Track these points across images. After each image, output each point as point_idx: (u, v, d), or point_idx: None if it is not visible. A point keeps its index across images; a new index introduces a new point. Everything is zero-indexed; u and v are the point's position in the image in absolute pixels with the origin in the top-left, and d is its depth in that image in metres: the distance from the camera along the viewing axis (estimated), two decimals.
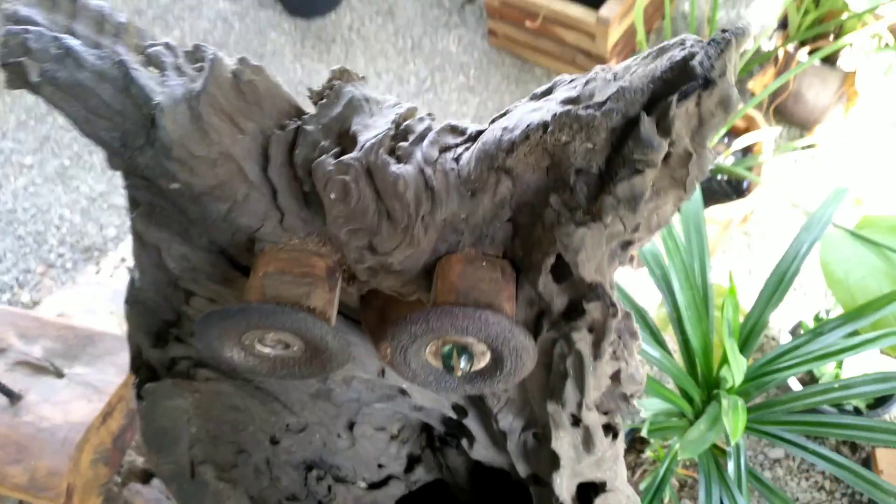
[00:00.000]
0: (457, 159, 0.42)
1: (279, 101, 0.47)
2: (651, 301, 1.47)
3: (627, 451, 1.34)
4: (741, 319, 1.02)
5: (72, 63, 0.42)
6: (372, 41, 2.40)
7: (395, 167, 0.42)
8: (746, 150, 1.57)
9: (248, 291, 0.47)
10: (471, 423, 0.68)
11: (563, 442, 0.55)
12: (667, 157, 0.36)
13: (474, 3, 2.48)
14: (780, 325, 1.53)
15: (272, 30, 2.44)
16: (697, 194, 1.06)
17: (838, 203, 1.00)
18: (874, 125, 1.70)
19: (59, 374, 1.32)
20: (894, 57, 1.26)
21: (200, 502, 0.56)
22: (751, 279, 1.62)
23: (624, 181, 0.37)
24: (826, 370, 1.22)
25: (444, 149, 0.43)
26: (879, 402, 1.29)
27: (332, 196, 0.44)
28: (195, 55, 0.47)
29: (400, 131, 0.44)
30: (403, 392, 0.68)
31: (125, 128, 0.44)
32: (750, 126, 1.56)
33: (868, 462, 1.35)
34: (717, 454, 1.01)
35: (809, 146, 1.62)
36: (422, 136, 0.43)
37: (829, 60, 1.65)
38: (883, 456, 1.32)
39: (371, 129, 0.44)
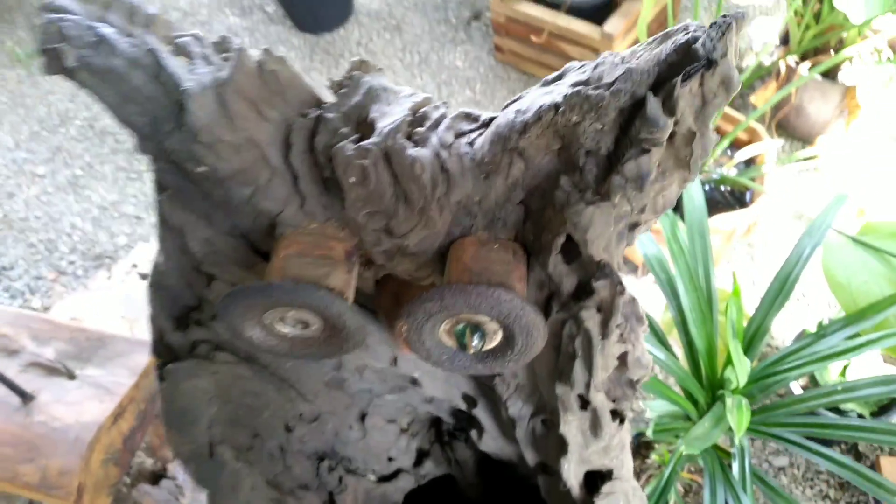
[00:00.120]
0: (471, 144, 0.44)
1: (301, 91, 0.50)
2: (656, 307, 1.49)
3: (632, 457, 1.35)
4: (745, 324, 1.04)
5: (106, 50, 0.45)
6: (380, 56, 2.44)
7: (411, 151, 0.44)
8: (749, 162, 1.59)
9: (270, 272, 0.49)
10: (480, 412, 0.69)
11: (572, 426, 0.57)
12: (671, 137, 0.38)
13: (480, 19, 2.52)
14: (783, 336, 1.55)
15: (282, 45, 2.48)
16: (701, 201, 1.08)
17: (839, 208, 1.01)
18: (875, 137, 1.72)
19: (71, 376, 1.33)
20: (894, 70, 1.28)
21: (218, 482, 0.57)
22: (754, 289, 1.63)
23: (631, 161, 0.39)
24: (829, 378, 1.23)
25: (459, 134, 0.45)
26: (883, 411, 1.29)
27: (352, 180, 0.46)
28: (222, 46, 0.49)
29: (416, 118, 0.46)
30: (415, 382, 0.70)
31: (155, 113, 0.46)
32: (752, 138, 1.59)
33: (873, 469, 1.35)
34: (721, 456, 1.02)
35: (811, 157, 1.64)
36: (437, 123, 0.46)
37: (830, 75, 1.68)
38: (887, 464, 1.33)
39: (389, 117, 0.46)
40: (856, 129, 1.73)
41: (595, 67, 0.39)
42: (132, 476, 1.40)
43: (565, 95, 0.38)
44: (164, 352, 0.58)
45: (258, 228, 0.52)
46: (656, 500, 1.02)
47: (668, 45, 0.36)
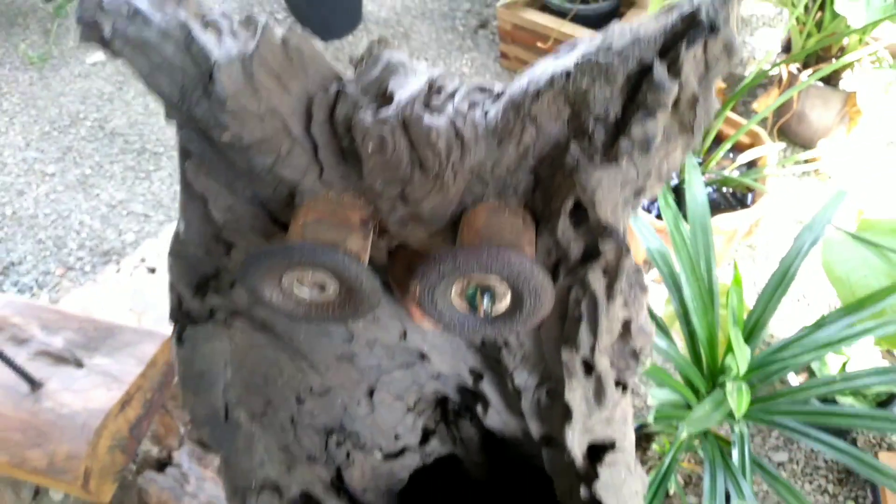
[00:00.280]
0: (485, 113, 0.47)
1: (322, 66, 0.52)
2: (658, 302, 1.51)
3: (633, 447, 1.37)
4: (745, 317, 1.06)
5: (140, 21, 0.47)
6: None
7: (428, 119, 0.46)
8: (751, 165, 1.61)
9: (290, 237, 0.51)
10: (486, 386, 0.71)
11: (576, 393, 0.59)
12: (676, 101, 0.41)
13: (487, 27, 2.55)
14: (783, 335, 1.56)
15: None
16: (703, 198, 1.10)
17: (839, 204, 1.04)
18: (875, 142, 1.75)
19: (79, 365, 1.35)
20: (894, 75, 1.31)
21: (233, 444, 0.59)
22: (755, 290, 1.65)
23: (638, 124, 0.41)
24: (828, 373, 1.25)
25: (474, 104, 0.47)
26: (881, 407, 1.31)
27: (370, 148, 0.48)
28: (248, 23, 0.52)
29: (433, 89, 0.49)
30: (423, 357, 0.72)
31: (184, 82, 0.48)
32: (754, 142, 1.61)
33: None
34: (721, 444, 1.03)
35: (812, 160, 1.67)
36: (453, 94, 0.48)
37: (832, 82, 1.71)
38: (885, 459, 1.34)
39: (406, 89, 0.49)
40: (856, 134, 1.75)
41: (605, 37, 0.41)
42: (137, 464, 1.41)
43: (576, 62, 0.40)
44: (182, 318, 0.60)
45: (278, 198, 0.55)
46: (657, 488, 1.04)
47: (674, 15, 0.39)
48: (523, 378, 0.64)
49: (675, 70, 0.39)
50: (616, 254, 0.47)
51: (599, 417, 0.62)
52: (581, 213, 0.48)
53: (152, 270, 1.65)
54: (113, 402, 1.29)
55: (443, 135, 0.46)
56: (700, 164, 1.61)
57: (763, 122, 1.85)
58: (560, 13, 2.06)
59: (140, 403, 1.35)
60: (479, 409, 0.75)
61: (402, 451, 0.84)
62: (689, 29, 0.39)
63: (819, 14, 1.57)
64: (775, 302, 1.03)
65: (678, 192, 1.53)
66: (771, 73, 1.85)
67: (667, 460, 1.05)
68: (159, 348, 1.39)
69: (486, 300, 0.49)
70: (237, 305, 0.60)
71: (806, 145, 1.88)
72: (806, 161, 1.64)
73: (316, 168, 0.52)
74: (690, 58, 0.38)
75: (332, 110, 0.51)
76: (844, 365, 1.24)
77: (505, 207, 0.50)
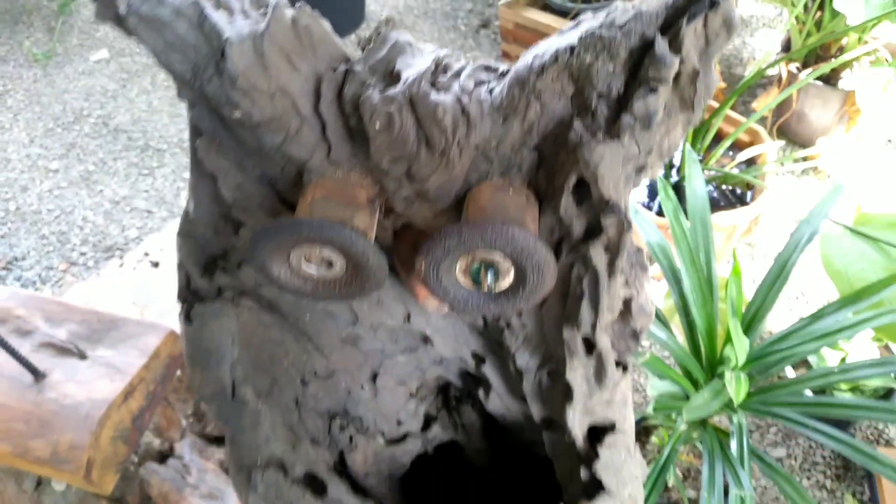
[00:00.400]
0: (490, 91, 0.48)
1: (331, 47, 0.53)
2: (658, 297, 1.52)
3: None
4: (744, 310, 1.07)
5: (154, 0, 0.48)
6: None
7: (434, 96, 0.47)
8: (750, 162, 1.63)
9: (298, 214, 0.52)
10: (488, 369, 0.72)
11: (577, 373, 0.60)
12: (677, 76, 0.42)
13: (489, 27, 2.57)
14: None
15: None
16: (703, 191, 1.11)
17: (836, 198, 1.05)
18: (873, 140, 1.77)
19: (83, 356, 1.36)
20: (892, 73, 1.32)
21: (239, 421, 0.60)
22: (754, 287, 1.66)
23: (640, 100, 0.42)
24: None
25: (479, 83, 0.48)
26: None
27: (377, 126, 0.49)
28: (259, 3, 0.53)
29: (439, 68, 0.50)
30: (426, 341, 0.73)
31: (196, 60, 0.50)
32: (754, 140, 1.63)
33: (871, 476, 1.38)
34: (720, 435, 1.04)
35: (811, 157, 1.68)
36: (459, 72, 0.49)
37: (831, 81, 1.72)
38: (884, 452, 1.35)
39: (413, 68, 0.50)
40: (855, 133, 1.77)
41: (608, 13, 0.42)
42: (140, 456, 1.42)
43: (580, 37, 0.41)
44: (191, 297, 0.61)
45: (286, 178, 0.56)
46: (656, 478, 1.05)
47: None
48: (525, 359, 0.65)
49: (676, 45, 0.40)
50: (618, 229, 0.48)
51: (600, 399, 0.63)
52: (584, 191, 0.49)
53: (155, 265, 1.66)
54: (116, 393, 1.30)
55: (449, 111, 0.47)
56: (700, 161, 1.62)
57: (763, 122, 1.86)
58: (562, 12, 2.07)
59: (143, 395, 1.36)
60: (481, 393, 0.76)
61: (404, 437, 0.85)
62: (689, 4, 0.40)
63: (818, 14, 1.58)
64: (774, 294, 1.04)
65: (678, 190, 1.55)
66: (771, 73, 1.87)
67: (666, 451, 1.05)
68: (162, 340, 1.40)
69: (489, 276, 0.51)
70: (245, 285, 0.61)
71: (805, 144, 1.90)
72: (805, 158, 1.65)
73: (324, 147, 0.53)
74: (691, 32, 0.39)
75: (340, 90, 0.52)
76: (843, 361, 1.25)
77: (509, 186, 0.51)
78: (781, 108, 1.79)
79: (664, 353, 1.48)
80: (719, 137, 1.64)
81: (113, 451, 1.31)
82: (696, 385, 1.05)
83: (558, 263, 0.54)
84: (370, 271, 0.52)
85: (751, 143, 1.62)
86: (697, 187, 1.10)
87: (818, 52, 1.65)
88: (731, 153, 1.65)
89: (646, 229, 1.10)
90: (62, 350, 1.39)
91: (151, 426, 1.45)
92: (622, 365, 0.61)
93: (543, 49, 0.44)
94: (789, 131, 1.87)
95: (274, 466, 0.61)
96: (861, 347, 1.26)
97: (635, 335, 0.61)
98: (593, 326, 0.54)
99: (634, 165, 0.47)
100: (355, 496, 0.70)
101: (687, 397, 1.06)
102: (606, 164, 0.45)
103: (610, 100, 0.44)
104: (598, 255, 0.50)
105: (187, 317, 0.60)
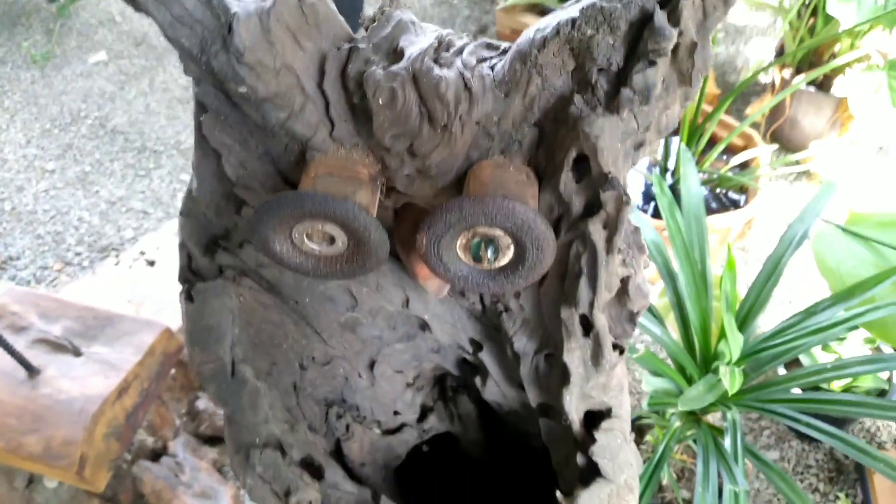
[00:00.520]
0: (492, 67, 0.49)
1: (335, 26, 0.54)
2: (653, 295, 1.53)
3: None
4: (737, 307, 1.07)
5: None
6: None
7: (437, 71, 0.48)
8: (744, 166, 1.64)
9: (301, 189, 0.53)
10: (485, 356, 0.73)
11: (574, 355, 0.60)
12: (675, 49, 0.43)
13: (486, 32, 2.59)
14: None
15: None
16: (698, 188, 1.12)
17: (829, 196, 1.06)
18: (866, 144, 1.79)
19: (77, 353, 1.36)
20: (883, 77, 1.35)
21: (238, 400, 0.60)
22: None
23: (639, 73, 0.43)
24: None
25: (482, 59, 0.49)
26: None
27: (381, 102, 0.50)
28: None
29: (442, 45, 0.51)
30: (424, 328, 0.74)
31: (203, 35, 0.50)
32: (748, 145, 1.65)
33: (861, 465, 1.38)
34: (714, 432, 1.05)
35: (804, 160, 1.70)
36: (461, 49, 0.50)
37: (824, 87, 1.74)
38: None
39: (416, 45, 0.51)
40: (847, 138, 1.79)
41: None
42: (132, 453, 1.42)
43: (581, 9, 0.42)
44: (192, 277, 0.62)
45: (289, 156, 0.56)
46: (650, 476, 1.05)
47: None
48: (522, 343, 0.66)
49: (674, 18, 0.41)
50: (616, 204, 0.48)
51: (596, 382, 0.64)
52: (583, 168, 0.50)
53: (151, 263, 1.66)
54: (110, 389, 1.29)
55: (452, 86, 0.48)
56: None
57: (756, 128, 1.88)
58: None
59: (137, 392, 1.36)
60: (478, 380, 0.77)
61: (400, 427, 0.86)
62: None
63: (812, 20, 1.61)
64: (768, 291, 1.05)
65: (673, 192, 1.56)
66: (765, 81, 1.89)
67: (660, 448, 1.06)
68: (157, 338, 1.40)
69: (489, 252, 0.51)
70: (246, 265, 0.62)
71: (798, 150, 1.92)
72: (797, 162, 1.67)
73: (327, 124, 0.54)
74: (689, 5, 0.40)
75: (343, 67, 0.53)
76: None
77: (509, 163, 0.52)
78: (775, 114, 1.81)
79: (658, 351, 1.49)
80: (713, 142, 1.66)
81: (106, 447, 1.31)
82: (689, 381, 1.06)
83: (557, 242, 0.54)
84: (372, 247, 0.53)
85: (745, 148, 1.64)
86: (692, 185, 1.11)
87: (811, 58, 1.68)
88: (724, 157, 1.66)
89: (641, 227, 1.11)
90: (57, 346, 1.39)
91: (145, 424, 1.44)
92: (619, 348, 0.62)
93: (545, 23, 0.45)
94: (782, 137, 1.89)
95: (272, 447, 0.62)
96: (854, 350, 1.27)
97: (632, 318, 0.61)
98: (591, 305, 0.55)
99: (633, 141, 0.48)
100: (352, 482, 0.70)
101: (681, 393, 1.07)
102: (606, 137, 0.45)
103: (610, 74, 0.45)
104: (596, 231, 0.50)
105: (188, 296, 0.60)
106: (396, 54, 0.52)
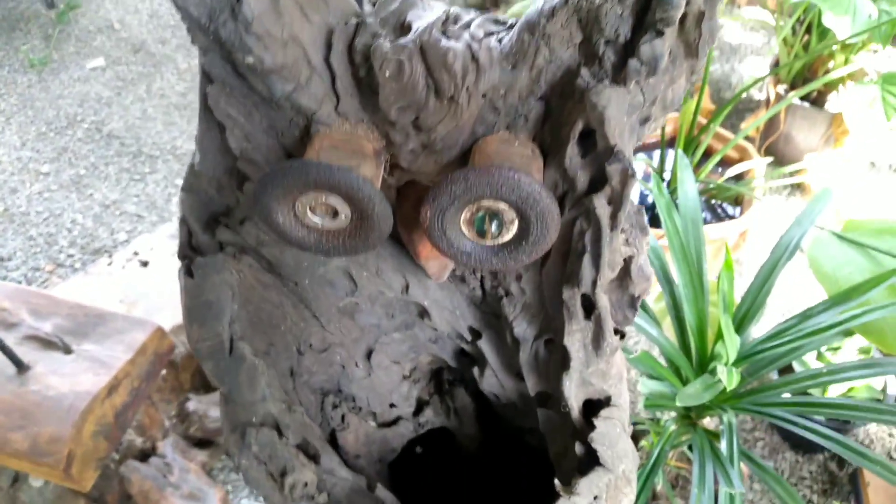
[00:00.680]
0: (500, 41, 0.49)
1: (342, 2, 0.54)
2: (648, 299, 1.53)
3: None
4: (733, 311, 1.08)
5: None
6: None
7: (445, 42, 0.48)
8: (738, 178, 1.65)
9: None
10: (484, 344, 0.72)
11: (575, 338, 0.60)
12: (683, 20, 0.43)
13: None
14: None
15: None
16: (694, 192, 1.13)
17: (825, 202, 1.07)
18: (859, 159, 1.81)
19: (68, 351, 1.35)
20: (876, 91, 1.37)
21: (236, 377, 0.60)
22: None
23: (647, 43, 0.43)
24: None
25: (489, 33, 0.50)
26: None
27: (388, 74, 0.50)
28: None
29: (450, 19, 0.51)
30: (422, 316, 0.73)
31: (212, 4, 0.50)
32: (742, 157, 1.66)
33: (855, 476, 1.38)
34: (710, 437, 1.04)
35: (797, 171, 1.71)
36: (469, 24, 0.50)
37: (818, 103, 1.76)
38: (870, 476, 1.35)
39: (424, 19, 0.51)
40: (842, 152, 1.81)
41: None
42: (120, 453, 1.40)
43: None
44: (191, 254, 0.61)
45: (293, 132, 0.56)
46: (645, 481, 1.04)
47: None
48: (523, 328, 0.65)
49: None
50: (622, 178, 0.49)
51: (596, 369, 0.64)
52: (589, 144, 0.50)
53: (144, 264, 1.65)
54: (100, 387, 1.28)
55: (459, 57, 0.48)
56: None
57: (751, 143, 1.90)
58: None
59: (127, 391, 1.34)
60: (476, 371, 0.76)
61: (396, 420, 0.85)
62: None
63: (806, 37, 1.63)
64: (763, 296, 1.05)
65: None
66: (760, 98, 1.91)
67: (655, 452, 1.05)
68: (149, 336, 1.38)
69: (493, 226, 0.51)
70: (246, 242, 0.62)
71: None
72: (791, 174, 1.68)
73: (333, 98, 0.54)
74: None
75: (351, 42, 0.53)
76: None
77: (515, 139, 0.52)
78: (769, 129, 1.83)
79: (658, 356, 1.49)
80: (708, 154, 1.67)
81: (94, 446, 1.29)
82: (685, 384, 1.05)
83: (561, 220, 0.54)
84: (375, 221, 0.53)
85: (740, 160, 1.65)
86: (689, 189, 1.11)
87: (806, 74, 1.70)
88: (720, 169, 1.68)
89: None
90: (47, 343, 1.37)
91: (134, 424, 1.42)
92: (620, 333, 0.62)
93: None
94: (776, 153, 1.91)
95: (269, 427, 0.61)
96: (848, 359, 1.27)
97: (633, 303, 0.61)
98: (594, 283, 0.55)
99: (639, 116, 0.48)
100: (347, 469, 0.70)
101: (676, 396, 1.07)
102: (613, 107, 0.46)
103: (617, 46, 0.45)
104: (601, 206, 0.50)
105: (188, 271, 0.59)
106: (404, 29, 0.52)
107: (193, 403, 1.49)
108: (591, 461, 0.65)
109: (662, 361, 1.10)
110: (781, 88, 1.76)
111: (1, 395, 1.27)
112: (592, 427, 0.65)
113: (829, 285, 1.07)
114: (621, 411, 0.68)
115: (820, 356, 1.37)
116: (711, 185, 1.54)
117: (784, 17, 1.59)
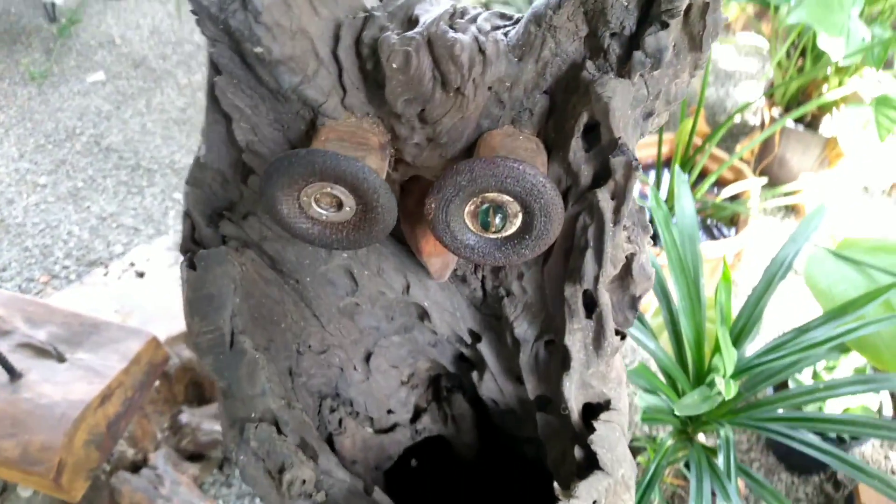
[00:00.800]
0: (506, 34, 0.50)
1: None
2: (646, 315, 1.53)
3: None
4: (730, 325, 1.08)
5: None
6: None
7: (452, 34, 0.49)
8: (734, 199, 1.67)
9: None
10: (484, 347, 0.72)
11: (576, 337, 0.60)
12: (687, 11, 0.44)
13: None
14: None
15: None
16: (692, 209, 1.14)
17: (820, 219, 1.08)
18: (853, 182, 1.83)
19: (62, 359, 1.34)
20: (870, 112, 1.39)
21: (236, 371, 0.59)
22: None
23: (652, 35, 0.44)
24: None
25: (496, 27, 0.50)
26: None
27: (394, 66, 0.51)
28: None
29: (457, 13, 0.52)
30: (422, 318, 0.73)
31: None
32: (738, 178, 1.67)
33: (851, 498, 1.37)
34: (707, 452, 1.04)
35: (793, 192, 1.73)
36: (475, 17, 0.51)
37: (812, 127, 1.79)
38: (865, 490, 1.34)
39: (431, 13, 0.52)
40: (836, 173, 1.83)
41: None
42: (111, 464, 1.38)
43: None
44: (194, 248, 0.61)
45: (299, 125, 0.57)
46: (640, 497, 1.03)
47: None
48: (523, 328, 0.65)
49: None
50: (626, 171, 0.49)
51: (597, 371, 0.63)
52: (593, 138, 0.51)
53: (141, 275, 1.64)
54: (93, 395, 1.27)
55: (466, 49, 0.49)
56: None
57: (746, 165, 1.92)
58: None
59: (120, 401, 1.33)
60: (475, 375, 0.76)
61: (393, 427, 0.84)
62: None
63: (800, 61, 1.65)
64: (761, 309, 1.05)
65: None
66: (755, 123, 1.94)
67: (652, 467, 1.05)
68: (144, 346, 1.37)
69: (497, 219, 0.51)
70: (249, 237, 0.62)
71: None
72: (786, 194, 1.70)
73: (339, 91, 0.54)
74: None
75: (358, 35, 0.53)
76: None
77: (519, 133, 0.53)
78: (763, 152, 1.85)
79: (651, 367, 1.48)
80: (704, 175, 1.69)
81: (85, 455, 1.27)
82: (681, 398, 1.05)
83: (565, 214, 0.55)
84: (380, 213, 0.53)
85: (735, 181, 1.67)
86: (686, 205, 1.12)
87: (800, 98, 1.72)
88: (715, 190, 1.69)
89: None
90: (41, 351, 1.36)
91: (126, 435, 1.41)
92: (620, 333, 0.62)
93: None
94: (771, 175, 1.93)
95: (268, 422, 0.60)
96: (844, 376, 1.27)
97: (634, 304, 0.61)
98: (596, 279, 0.55)
99: (643, 110, 0.49)
100: (344, 470, 0.69)
101: (673, 411, 1.06)
102: (618, 98, 0.46)
103: (622, 38, 0.46)
104: (604, 199, 0.51)
105: (190, 264, 0.59)
106: (412, 23, 0.53)
107: (186, 416, 1.48)
108: (590, 465, 0.65)
109: (660, 376, 1.10)
110: (776, 111, 1.78)
111: None
112: (592, 431, 0.65)
113: (825, 301, 1.07)
114: (621, 415, 0.68)
115: (816, 375, 1.37)
116: (707, 205, 1.55)
117: (780, 41, 1.61)
